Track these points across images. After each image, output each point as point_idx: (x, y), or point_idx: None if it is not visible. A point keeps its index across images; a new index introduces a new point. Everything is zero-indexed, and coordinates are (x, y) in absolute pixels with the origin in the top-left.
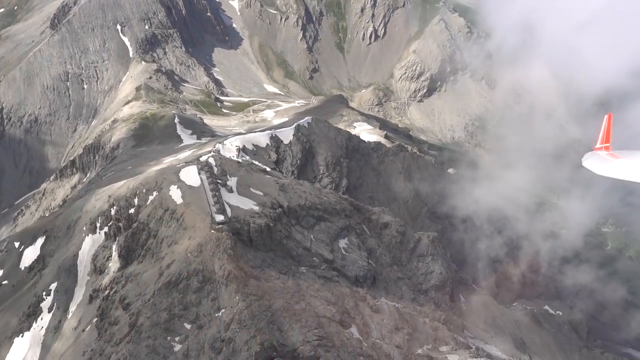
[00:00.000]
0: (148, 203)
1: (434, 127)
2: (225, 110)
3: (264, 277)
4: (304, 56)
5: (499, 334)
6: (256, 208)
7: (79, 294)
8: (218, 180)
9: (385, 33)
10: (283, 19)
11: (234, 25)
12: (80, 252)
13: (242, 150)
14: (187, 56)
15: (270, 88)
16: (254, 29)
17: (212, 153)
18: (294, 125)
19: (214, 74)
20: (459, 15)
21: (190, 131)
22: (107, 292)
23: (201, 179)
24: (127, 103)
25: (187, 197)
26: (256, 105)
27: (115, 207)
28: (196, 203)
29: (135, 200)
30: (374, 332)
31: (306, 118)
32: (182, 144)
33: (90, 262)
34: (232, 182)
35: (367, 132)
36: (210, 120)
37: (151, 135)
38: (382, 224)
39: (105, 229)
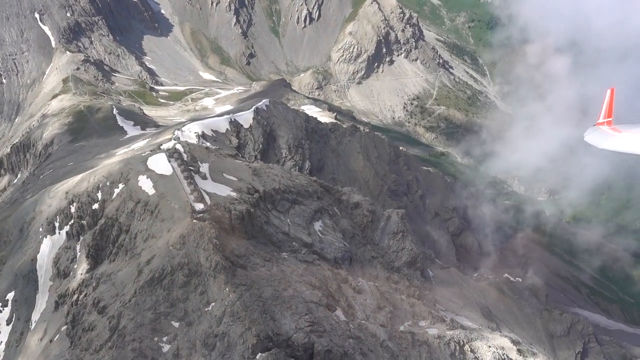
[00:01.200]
0: (114, 197)
1: (374, 109)
2: (162, 100)
3: (250, 265)
4: (239, 41)
5: (467, 304)
6: (233, 194)
7: (42, 301)
8: (190, 167)
9: (319, 16)
10: (214, 4)
11: (163, 11)
12: (38, 255)
13: (202, 136)
14: (115, 45)
15: (207, 75)
16: (184, 15)
17: (174, 140)
18: (253, 109)
19: (146, 63)
20: None
21: (131, 122)
22: (75, 296)
23: (172, 167)
24: (54, 97)
25: (159, 187)
26: (194, 94)
27: (75, 204)
28: (171, 192)
29: (99, 195)
30: (359, 312)
31: (263, 101)
32: (128, 136)
33: (51, 266)
34: (204, 168)
35: (317, 115)
36: (148, 111)
37: (88, 128)
38: (353, 204)
39: (67, 228)
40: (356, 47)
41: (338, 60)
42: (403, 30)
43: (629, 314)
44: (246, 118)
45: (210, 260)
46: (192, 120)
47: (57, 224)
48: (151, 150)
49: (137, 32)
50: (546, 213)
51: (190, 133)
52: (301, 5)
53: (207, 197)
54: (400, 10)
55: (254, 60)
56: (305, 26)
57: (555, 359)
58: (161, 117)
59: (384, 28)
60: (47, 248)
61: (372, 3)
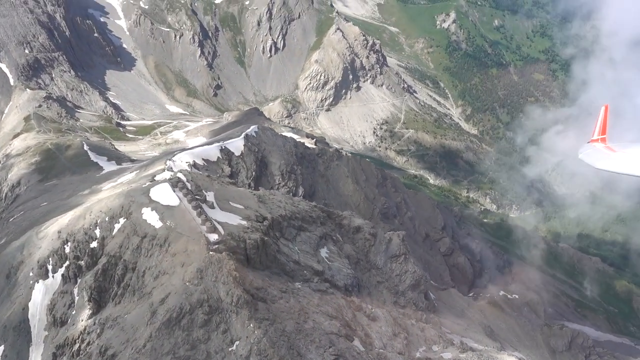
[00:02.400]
0: (115, 233)
1: (344, 135)
2: (130, 135)
3: (269, 298)
4: (205, 73)
5: (470, 325)
6: (244, 223)
7: (36, 354)
8: (197, 197)
9: (284, 45)
10: (178, 37)
11: (125, 45)
12: (30, 303)
13: (193, 166)
14: (77, 80)
15: (174, 108)
16: (147, 49)
17: (168, 170)
18: (242, 136)
19: (111, 98)
20: (352, 24)
21: (105, 158)
22: (77, 345)
23: (178, 197)
24: (16, 136)
25: (167, 218)
26: (162, 127)
27: (70, 244)
28: (181, 224)
29: (97, 232)
30: (376, 341)
31: (252, 127)
32: (105, 171)
33: (46, 314)
34: (210, 197)
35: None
36: (117, 147)
37: (59, 166)
38: (354, 228)
39: (62, 270)
40: (323, 74)
41: (306, 88)
42: (367, 57)
43: (615, 324)
44: (237, 145)
45: (231, 294)
46: (182, 150)
47: (50, 267)
48: (150, 182)
49: (99, 67)
50: (525, 229)
51: (182, 163)
52: (265, 35)
53: (219, 227)
54: (364, 37)
55: (221, 91)
56: (270, 56)
57: None
58: (132, 152)
59: (349, 55)
60: (40, 294)
61: (336, 31)
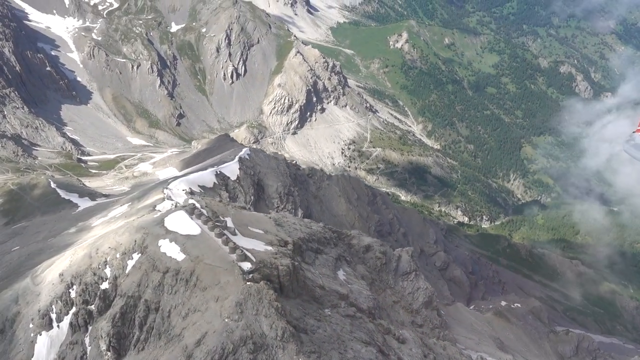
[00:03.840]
0: (130, 270)
1: (312, 157)
2: (93, 171)
3: (309, 328)
4: (166, 103)
5: (481, 339)
6: (270, 248)
7: None
8: (218, 224)
9: (245, 71)
10: (135, 67)
11: (79, 78)
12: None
13: (190, 193)
14: (32, 117)
15: (136, 140)
16: (102, 81)
17: (168, 200)
18: (236, 159)
19: (68, 134)
20: (312, 47)
21: (76, 194)
22: None
23: (198, 225)
24: None
25: (190, 249)
26: (126, 161)
27: (77, 287)
28: (207, 254)
29: (107, 271)
30: None
31: (244, 149)
32: (82, 208)
33: None
34: (229, 222)
35: None
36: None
37: (26, 207)
38: (364, 247)
39: (68, 318)
40: (287, 98)
41: (270, 112)
42: (329, 79)
43: (603, 325)
44: (232, 169)
45: (276, 327)
46: (175, 178)
47: (54, 316)
48: (152, 212)
49: (53, 102)
50: (506, 237)
51: (179, 191)
52: (226, 62)
53: (249, 255)
54: (324, 59)
55: (184, 120)
56: (232, 82)
57: None
58: (99, 187)
59: (311, 78)
60: (45, 348)
61: (296, 54)
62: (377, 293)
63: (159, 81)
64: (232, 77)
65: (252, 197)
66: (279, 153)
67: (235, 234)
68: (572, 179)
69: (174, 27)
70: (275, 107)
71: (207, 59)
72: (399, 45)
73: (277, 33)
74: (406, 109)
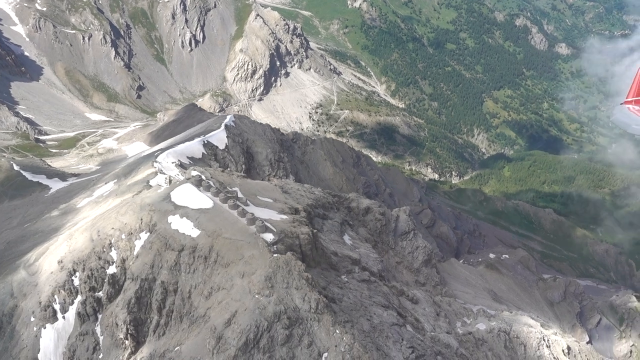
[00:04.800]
0: (139, 251)
1: (281, 123)
2: (53, 150)
3: (336, 297)
4: (124, 75)
5: (477, 292)
6: (284, 217)
7: None
8: (229, 195)
9: (204, 37)
10: (86, 38)
11: (27, 53)
12: (40, 355)
13: (180, 165)
14: None
15: (95, 116)
16: (53, 55)
17: (160, 173)
18: (222, 127)
19: (22, 113)
20: (272, 9)
21: (44, 176)
22: None
23: (209, 197)
24: None
25: (205, 224)
26: (88, 138)
27: (80, 273)
28: (226, 228)
29: (113, 254)
30: (425, 324)
31: (229, 117)
32: (55, 189)
33: None
34: (239, 193)
35: None
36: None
37: None
38: (364, 210)
39: (74, 308)
40: (250, 63)
41: (234, 79)
42: (291, 42)
43: (577, 269)
44: (219, 138)
45: (309, 299)
46: (161, 150)
47: (57, 307)
48: (146, 187)
49: (2, 79)
50: (483, 192)
51: (168, 164)
52: (182, 28)
53: (270, 225)
54: (284, 22)
55: (144, 92)
56: (191, 50)
57: (561, 325)
58: (64, 167)
59: (273, 41)
60: (52, 342)
61: (256, 18)
62: (381, 255)
63: (113, 52)
64: (190, 44)
65: (243, 166)
66: None
67: (247, 205)
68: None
69: None
70: (238, 73)
71: (163, 26)
72: (357, 4)
73: None
74: (369, 69)
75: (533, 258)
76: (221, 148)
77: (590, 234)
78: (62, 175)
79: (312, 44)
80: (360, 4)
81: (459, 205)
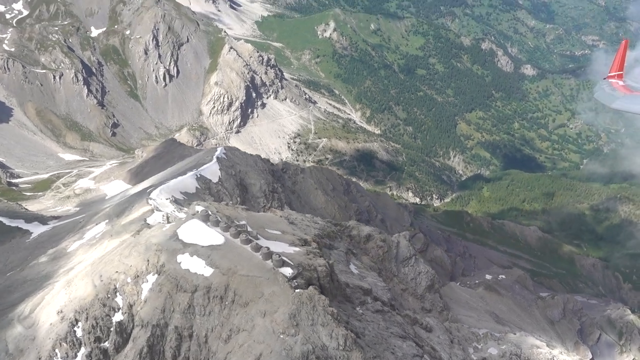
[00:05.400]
0: (147, 295)
1: (260, 154)
2: (27, 194)
3: (359, 331)
4: (97, 113)
5: (480, 315)
6: (297, 249)
7: None
8: (240, 229)
9: (178, 71)
10: (57, 77)
11: None
12: None
13: (175, 201)
14: None
15: (69, 156)
16: (22, 95)
17: (157, 210)
18: (214, 160)
19: None
20: (245, 41)
21: (22, 220)
22: None
23: (219, 233)
24: None
25: (218, 262)
26: (63, 179)
27: (83, 323)
28: (241, 264)
29: (119, 300)
30: (442, 353)
31: (220, 149)
32: (36, 234)
33: None
34: (248, 227)
35: None
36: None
37: None
38: (365, 237)
39: None
40: (226, 96)
41: (210, 112)
42: (266, 73)
43: (567, 285)
44: (212, 171)
45: (336, 336)
46: (153, 187)
47: None
48: (146, 226)
49: None
50: (468, 212)
51: (163, 200)
52: (156, 64)
53: (286, 259)
54: (258, 54)
55: (119, 129)
56: (166, 84)
57: (563, 343)
58: (41, 210)
59: (248, 73)
60: None
61: (230, 50)
62: (386, 283)
63: (86, 90)
64: (164, 79)
65: (238, 199)
66: None
67: (258, 238)
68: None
69: (95, 32)
70: (214, 106)
71: (136, 62)
72: (327, 34)
73: (206, 30)
74: (343, 97)
75: (529, 277)
76: (214, 181)
77: (576, 249)
78: (42, 219)
79: (286, 75)
80: (330, 34)
81: (447, 228)
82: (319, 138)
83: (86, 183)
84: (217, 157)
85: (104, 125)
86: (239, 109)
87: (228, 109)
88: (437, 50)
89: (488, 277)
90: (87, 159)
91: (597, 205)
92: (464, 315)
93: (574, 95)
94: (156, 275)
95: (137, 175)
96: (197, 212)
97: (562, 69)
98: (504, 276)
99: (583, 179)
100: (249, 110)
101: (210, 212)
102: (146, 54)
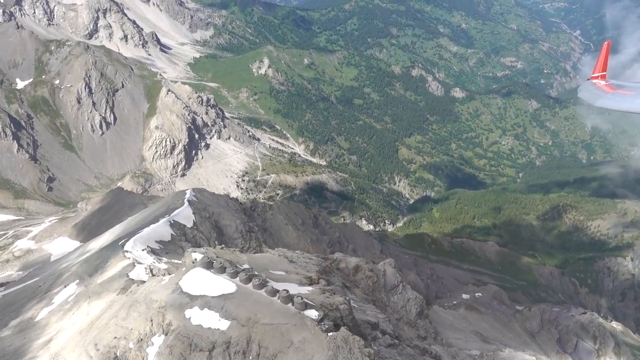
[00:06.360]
0: (156, 358)
1: None
2: None
3: None
4: (30, 168)
5: (466, 336)
6: (310, 288)
7: None
8: (251, 274)
9: (115, 118)
10: None
11: None
12: None
13: (152, 251)
14: None
15: (2, 217)
16: None
17: (138, 263)
18: (186, 204)
19: None
20: (182, 83)
21: None
22: None
23: (228, 280)
24: None
25: (234, 312)
26: None
27: None
28: (262, 312)
29: None
30: None
31: (189, 191)
32: None
33: None
34: (254, 270)
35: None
36: None
37: None
38: (353, 269)
39: None
40: (168, 139)
41: (153, 157)
42: (207, 113)
43: (529, 295)
44: (186, 215)
45: None
46: (125, 239)
47: None
48: (131, 281)
49: None
50: (430, 234)
51: (139, 252)
52: (90, 112)
53: (308, 301)
54: (197, 94)
55: (55, 183)
56: (103, 133)
57: (546, 354)
58: None
59: (188, 115)
60: None
61: (168, 93)
62: (384, 314)
63: (16, 145)
64: (101, 127)
65: (215, 242)
66: None
67: (267, 282)
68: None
69: (20, 84)
70: (157, 151)
71: (69, 112)
72: (262, 71)
73: (141, 74)
74: (284, 131)
75: (504, 291)
76: (189, 226)
77: (532, 259)
78: None
79: (226, 114)
80: (265, 71)
81: (411, 251)
82: (268, 174)
83: (25, 243)
84: (189, 200)
85: (39, 181)
86: (183, 152)
87: (171, 153)
88: (370, 80)
89: (465, 296)
90: (23, 217)
91: (543, 215)
92: (453, 338)
93: (502, 114)
94: (163, 336)
95: (84, 229)
96: (196, 259)
97: (487, 89)
98: (480, 294)
99: (524, 191)
100: (193, 152)
101: (210, 259)
102: (79, 102)
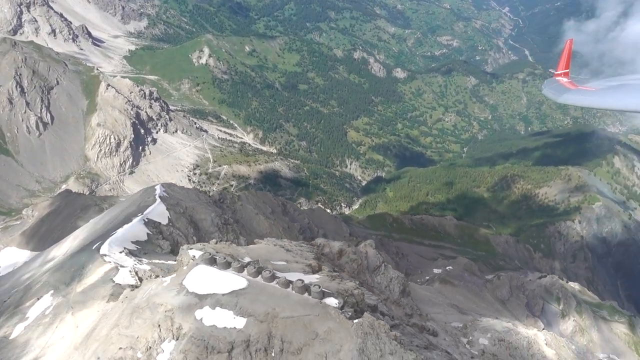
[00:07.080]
0: None
1: None
2: None
3: None
4: None
5: (445, 310)
6: (317, 276)
7: None
8: (258, 266)
9: (53, 117)
10: None
11: None
12: None
13: (130, 253)
14: None
15: None
16: None
17: (121, 267)
18: (158, 201)
19: None
20: (121, 77)
21: None
22: None
23: (237, 274)
24: None
25: (250, 308)
26: None
27: None
28: (280, 305)
29: None
30: (455, 355)
31: (158, 187)
32: None
33: None
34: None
35: None
36: None
37: None
38: (337, 253)
39: None
40: (112, 136)
41: (98, 156)
42: (151, 107)
43: (489, 265)
44: (159, 212)
45: None
46: (99, 242)
47: None
48: (116, 285)
49: None
50: (391, 213)
51: (117, 255)
52: (24, 112)
53: (324, 289)
54: (139, 88)
55: None
56: (40, 134)
57: (518, 319)
58: None
59: (131, 109)
60: None
61: (107, 88)
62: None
63: None
64: (38, 128)
65: (194, 238)
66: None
67: (276, 273)
68: None
69: None
70: (101, 149)
71: (0, 114)
72: (203, 61)
73: (76, 70)
74: (231, 121)
75: (474, 263)
76: (164, 223)
77: (488, 230)
78: None
79: (170, 106)
80: (206, 60)
81: (376, 232)
82: (219, 166)
83: None
84: (160, 197)
85: None
86: (129, 148)
87: (117, 150)
88: (313, 64)
89: (437, 271)
90: None
91: (493, 186)
92: (433, 313)
93: (443, 92)
94: (174, 342)
95: (34, 237)
96: (194, 257)
97: (427, 68)
98: (450, 267)
99: (472, 165)
100: (140, 147)
101: (211, 254)
102: (11, 103)
